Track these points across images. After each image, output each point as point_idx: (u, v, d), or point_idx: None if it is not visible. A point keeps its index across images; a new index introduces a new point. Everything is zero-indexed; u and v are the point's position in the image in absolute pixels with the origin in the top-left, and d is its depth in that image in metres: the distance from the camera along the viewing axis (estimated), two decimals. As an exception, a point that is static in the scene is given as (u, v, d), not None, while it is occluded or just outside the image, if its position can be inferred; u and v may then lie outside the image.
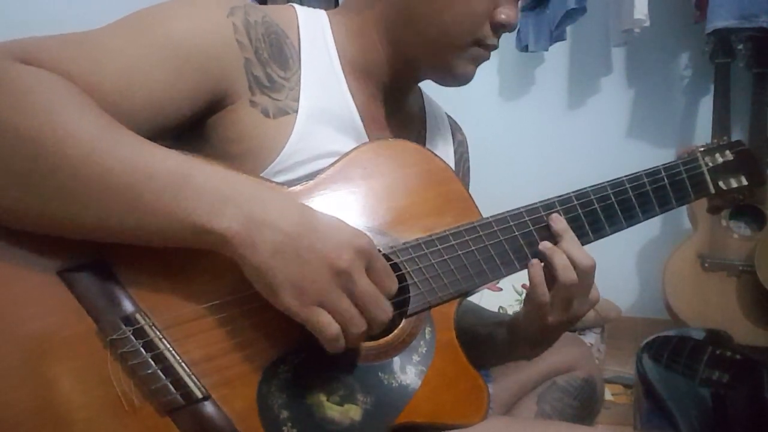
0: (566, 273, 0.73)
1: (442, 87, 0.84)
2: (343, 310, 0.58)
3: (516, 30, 2.43)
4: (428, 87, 0.96)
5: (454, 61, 0.79)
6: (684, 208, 2.36)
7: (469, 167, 1.02)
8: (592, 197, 0.79)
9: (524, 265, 0.76)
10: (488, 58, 0.82)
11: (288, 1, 0.87)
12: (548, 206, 0.78)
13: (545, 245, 0.76)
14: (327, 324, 0.57)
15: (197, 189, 0.56)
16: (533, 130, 2.60)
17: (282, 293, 0.57)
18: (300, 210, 0.59)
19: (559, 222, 0.77)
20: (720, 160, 0.88)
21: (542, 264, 0.75)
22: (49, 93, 0.56)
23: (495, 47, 0.80)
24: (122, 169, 0.55)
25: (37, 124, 0.54)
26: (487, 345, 0.86)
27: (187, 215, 0.56)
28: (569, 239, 0.76)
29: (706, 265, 2.22)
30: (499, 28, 0.78)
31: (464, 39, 0.77)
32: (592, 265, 0.75)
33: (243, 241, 0.56)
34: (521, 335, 0.81)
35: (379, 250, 0.68)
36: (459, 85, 0.83)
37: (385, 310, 0.60)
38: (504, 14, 0.76)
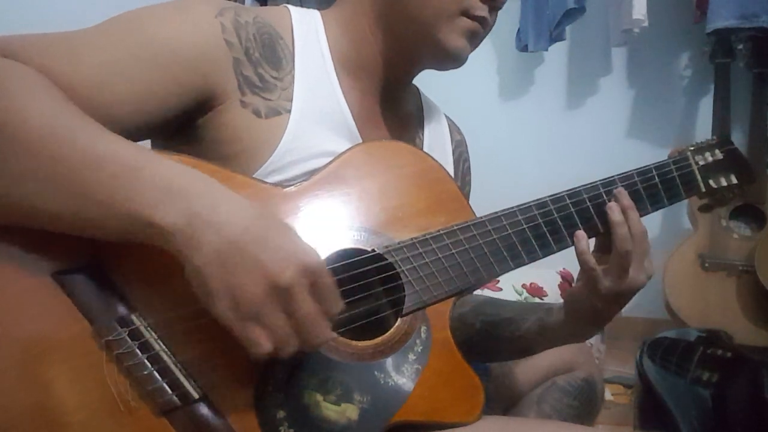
0: (624, 242, 0.75)
1: (440, 87, 0.84)
2: (277, 329, 0.54)
3: (515, 31, 2.44)
4: (428, 87, 0.96)
5: (444, 34, 0.78)
6: (684, 208, 2.36)
7: (468, 167, 1.01)
8: (584, 196, 0.79)
9: (518, 263, 0.76)
10: (480, 34, 0.81)
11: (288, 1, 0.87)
12: (541, 205, 0.78)
13: (612, 208, 0.77)
14: (258, 341, 0.54)
15: (145, 181, 0.55)
16: (533, 130, 2.61)
17: (217, 301, 0.54)
18: (252, 215, 0.56)
19: (626, 197, 0.78)
20: (710, 158, 0.88)
21: (586, 235, 0.78)
22: (15, 80, 0.56)
23: (485, 19, 0.79)
24: (71, 155, 0.54)
25: (0, 108, 0.54)
26: (539, 331, 0.86)
27: (130, 206, 0.54)
28: (634, 214, 0.78)
29: (706, 265, 2.22)
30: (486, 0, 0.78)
31: (450, 9, 0.76)
32: (645, 231, 0.77)
33: (185, 238, 0.54)
34: (577, 310, 0.81)
35: (374, 250, 0.69)
36: (455, 66, 0.82)
37: (322, 332, 0.57)
38: None
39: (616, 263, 0.76)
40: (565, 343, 0.87)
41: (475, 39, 0.81)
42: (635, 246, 0.76)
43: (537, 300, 1.87)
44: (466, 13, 0.77)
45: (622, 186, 0.81)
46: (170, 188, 0.55)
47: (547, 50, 2.42)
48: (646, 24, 2.23)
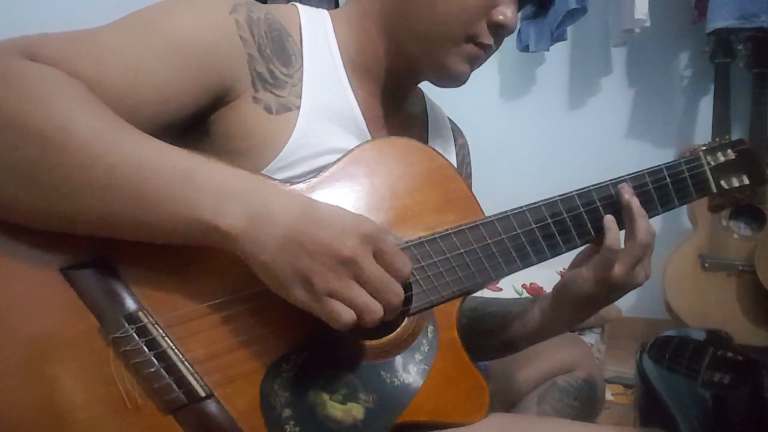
0: (646, 235, 0.76)
1: (442, 87, 0.84)
2: (354, 298, 0.57)
3: (516, 31, 2.44)
4: (429, 87, 0.96)
5: (448, 57, 0.78)
6: (684, 207, 2.36)
7: (471, 171, 1.01)
8: (595, 197, 0.79)
9: (526, 263, 0.76)
10: (483, 59, 0.80)
11: (289, 0, 0.87)
12: (550, 206, 0.77)
13: (635, 203, 0.77)
14: (340, 313, 0.57)
15: (200, 186, 0.56)
16: (533, 130, 2.61)
17: (292, 288, 0.57)
18: (302, 202, 0.59)
19: (628, 190, 0.78)
20: (722, 159, 0.87)
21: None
22: (54, 89, 0.56)
23: (490, 47, 0.79)
24: (125, 165, 0.55)
25: (43, 118, 0.54)
26: (522, 321, 0.86)
27: (191, 212, 0.56)
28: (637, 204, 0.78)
29: (706, 265, 2.23)
30: (495, 28, 0.76)
31: (457, 33, 0.76)
32: (654, 233, 0.77)
33: (249, 238, 0.56)
34: (568, 294, 0.81)
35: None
36: (455, 86, 0.82)
37: (396, 293, 0.59)
38: (501, 14, 0.75)
39: (633, 255, 0.76)
40: (548, 334, 0.87)
41: (477, 63, 0.81)
42: (647, 243, 0.76)
43: (537, 299, 1.88)
44: (472, 39, 0.77)
45: (632, 186, 0.80)
46: (225, 191, 0.57)
47: (548, 50, 2.42)
48: (648, 24, 2.23)
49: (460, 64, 0.79)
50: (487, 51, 0.79)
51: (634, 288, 0.79)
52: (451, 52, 0.77)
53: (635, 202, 0.77)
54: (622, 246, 0.77)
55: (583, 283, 0.79)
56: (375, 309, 0.58)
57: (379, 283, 0.58)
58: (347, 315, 0.57)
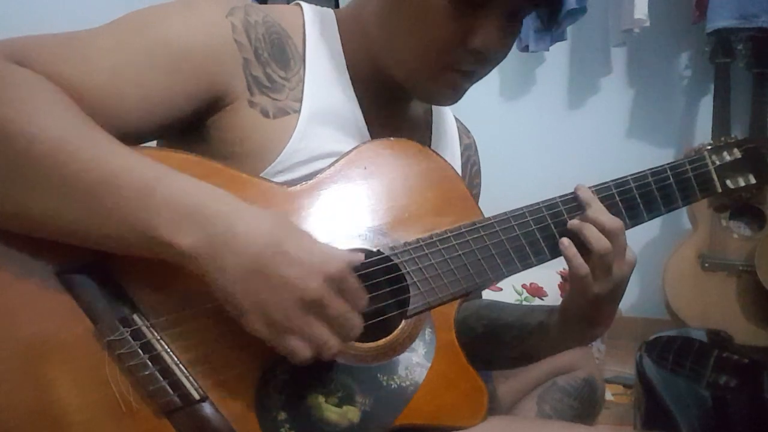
0: (599, 243, 0.73)
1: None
2: (315, 336, 0.56)
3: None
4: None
5: (429, 85, 0.75)
6: (684, 207, 2.36)
7: (477, 170, 1.00)
8: (597, 197, 0.78)
9: (526, 265, 0.76)
10: (466, 83, 0.76)
11: (289, 1, 0.86)
12: (551, 206, 0.77)
13: (573, 223, 0.75)
14: (297, 350, 0.56)
15: (160, 202, 0.55)
16: (533, 130, 2.61)
17: (250, 319, 0.56)
18: (268, 230, 0.56)
19: (584, 191, 0.77)
20: (727, 158, 0.86)
21: (571, 241, 0.75)
22: (27, 91, 0.56)
23: (472, 73, 0.75)
24: (86, 171, 0.54)
25: (9, 117, 0.54)
26: (541, 335, 0.84)
27: (148, 227, 0.54)
28: (596, 207, 0.75)
29: (706, 265, 2.22)
30: (476, 54, 0.71)
31: (435, 62, 0.72)
32: (620, 226, 0.74)
33: (208, 261, 0.54)
34: (573, 315, 0.79)
35: (379, 251, 0.68)
36: (446, 105, 0.81)
37: (357, 326, 0.59)
38: (479, 41, 0.70)
39: (599, 265, 0.73)
40: (568, 347, 0.86)
41: (464, 87, 0.77)
42: (613, 243, 0.73)
43: (537, 300, 1.87)
44: (451, 67, 0.73)
45: (634, 186, 0.80)
46: (186, 209, 0.55)
47: (548, 50, 2.42)
48: (647, 24, 2.23)
49: (442, 92, 0.76)
50: (471, 76, 0.76)
51: (625, 283, 0.77)
52: (432, 80, 0.75)
53: (572, 222, 0.75)
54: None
55: (576, 306, 0.78)
56: (334, 345, 0.58)
57: (343, 320, 0.58)
58: (305, 352, 0.56)
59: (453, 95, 0.78)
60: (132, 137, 0.61)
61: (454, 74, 0.74)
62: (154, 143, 0.73)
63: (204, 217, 0.55)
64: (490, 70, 0.78)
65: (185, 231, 0.54)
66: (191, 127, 0.70)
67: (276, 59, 0.73)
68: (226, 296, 0.55)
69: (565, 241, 0.75)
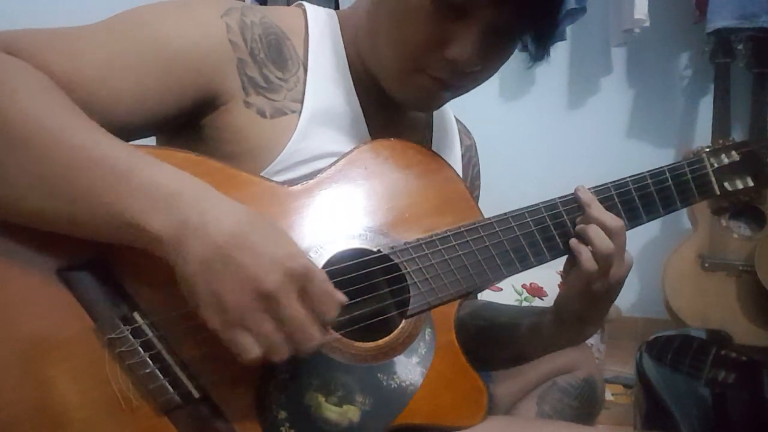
0: (603, 242, 0.73)
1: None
2: (264, 335, 0.54)
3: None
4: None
5: (400, 88, 0.75)
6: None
7: (478, 171, 1.00)
8: (596, 198, 0.78)
9: (525, 265, 0.76)
10: (440, 91, 0.74)
11: (289, 2, 0.86)
12: (550, 207, 0.77)
13: (579, 227, 0.76)
14: (246, 347, 0.54)
15: (136, 186, 0.54)
16: (533, 130, 2.60)
17: (203, 308, 0.54)
18: (238, 220, 0.55)
19: (584, 192, 0.77)
20: (726, 161, 0.86)
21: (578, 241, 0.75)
22: (12, 76, 0.56)
23: (446, 82, 0.73)
24: (62, 156, 0.54)
25: None
26: (533, 335, 0.85)
27: (120, 209, 0.54)
28: (596, 207, 0.75)
29: (706, 265, 2.22)
30: (450, 63, 0.70)
31: (406, 64, 0.71)
32: (622, 226, 0.75)
33: (174, 246, 0.53)
34: (568, 315, 0.79)
35: (380, 251, 0.69)
36: (421, 111, 0.80)
37: (312, 337, 0.56)
38: (454, 50, 0.68)
39: (599, 264, 0.74)
40: (560, 347, 0.86)
41: (439, 95, 0.76)
42: (614, 242, 0.74)
43: (537, 300, 1.88)
44: (423, 70, 0.72)
45: (633, 187, 0.80)
46: (160, 194, 0.54)
47: (547, 50, 2.42)
48: (647, 24, 2.23)
49: (413, 94, 0.75)
50: (446, 86, 0.74)
51: (622, 282, 0.77)
52: (402, 79, 0.74)
53: (579, 227, 0.76)
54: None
55: (571, 305, 0.78)
56: (281, 350, 0.55)
57: (295, 324, 0.55)
58: (253, 351, 0.54)
59: (426, 101, 0.77)
60: (120, 131, 0.61)
61: (425, 78, 0.72)
62: (153, 142, 0.74)
63: (177, 203, 0.54)
64: (473, 86, 0.77)
65: (156, 215, 0.53)
66: (187, 127, 0.70)
67: (273, 60, 0.73)
68: (186, 283, 0.54)
69: (574, 241, 0.76)
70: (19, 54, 0.59)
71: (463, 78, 0.73)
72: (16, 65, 0.58)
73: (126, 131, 0.64)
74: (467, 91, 0.78)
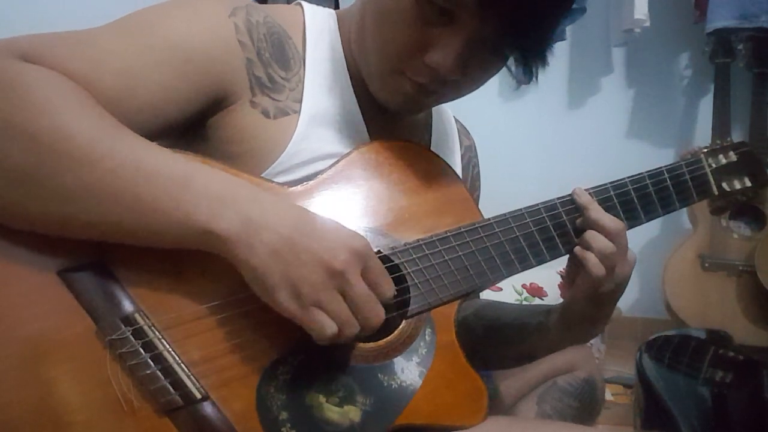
0: (604, 244, 0.74)
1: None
2: (338, 311, 0.58)
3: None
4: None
5: (380, 86, 0.75)
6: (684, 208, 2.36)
7: (478, 172, 1.00)
8: (595, 199, 0.79)
9: (525, 266, 0.76)
10: (420, 96, 0.73)
11: (289, 1, 0.86)
12: (550, 207, 0.77)
13: (581, 237, 0.76)
14: (323, 324, 0.57)
15: (198, 191, 0.57)
16: (533, 130, 2.60)
17: (279, 294, 0.57)
18: (297, 212, 0.60)
19: (581, 195, 0.77)
20: (723, 161, 0.87)
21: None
22: (51, 91, 0.56)
23: (425, 87, 0.72)
24: (122, 170, 0.55)
25: (38, 123, 0.53)
26: (540, 335, 0.85)
27: (187, 217, 0.56)
28: (595, 209, 0.76)
29: (706, 265, 2.22)
30: (431, 69, 0.69)
31: (387, 65, 0.71)
32: (622, 227, 0.75)
33: (241, 242, 0.56)
34: (575, 315, 0.80)
35: (380, 251, 0.69)
36: (405, 114, 0.80)
37: (377, 313, 0.60)
38: (435, 58, 0.67)
39: (606, 267, 0.74)
40: (566, 346, 0.86)
41: (419, 100, 0.75)
42: (615, 244, 0.74)
43: (537, 300, 1.88)
44: (404, 73, 0.71)
45: (632, 188, 0.80)
46: (222, 197, 0.57)
47: (547, 50, 2.42)
48: (647, 24, 2.23)
49: (392, 97, 0.75)
50: (426, 91, 0.73)
51: (626, 282, 0.77)
52: (382, 80, 0.74)
53: (585, 234, 0.75)
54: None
55: (579, 306, 0.78)
56: (354, 325, 0.59)
57: (363, 300, 0.59)
58: (330, 327, 0.58)
59: (406, 104, 0.76)
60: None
61: (405, 81, 0.72)
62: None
63: (239, 202, 0.57)
64: (456, 95, 0.76)
65: (221, 216, 0.56)
66: (191, 127, 0.70)
67: (277, 59, 0.73)
68: (255, 274, 0.57)
69: (579, 249, 0.76)
70: (40, 62, 0.58)
71: (443, 85, 0.72)
72: (52, 78, 0.57)
73: (147, 138, 0.64)
74: (451, 100, 0.78)
